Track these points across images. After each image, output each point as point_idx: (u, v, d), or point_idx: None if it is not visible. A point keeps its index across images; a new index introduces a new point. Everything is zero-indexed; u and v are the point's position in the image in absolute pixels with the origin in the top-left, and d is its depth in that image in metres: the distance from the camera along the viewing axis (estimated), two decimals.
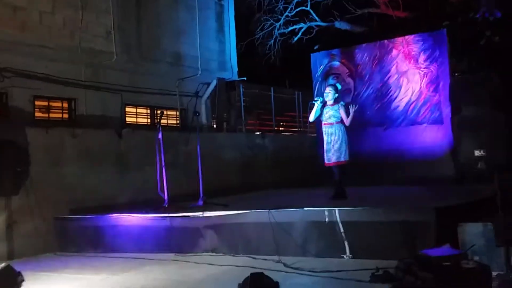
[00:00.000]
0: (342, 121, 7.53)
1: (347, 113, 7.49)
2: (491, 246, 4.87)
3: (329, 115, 7.56)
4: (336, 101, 7.64)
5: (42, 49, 9.37)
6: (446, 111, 10.80)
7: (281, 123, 15.16)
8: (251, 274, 4.66)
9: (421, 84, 11.25)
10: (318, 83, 12.75)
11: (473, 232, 5.04)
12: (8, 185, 7.53)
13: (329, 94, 7.63)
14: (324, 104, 7.64)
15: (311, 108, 7.88)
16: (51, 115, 9.79)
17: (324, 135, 7.65)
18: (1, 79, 8.86)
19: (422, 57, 11.31)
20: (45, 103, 9.70)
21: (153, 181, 8.19)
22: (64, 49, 9.78)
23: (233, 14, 14.09)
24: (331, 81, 11.99)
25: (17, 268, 5.22)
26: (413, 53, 11.40)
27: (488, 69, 9.93)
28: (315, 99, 7.79)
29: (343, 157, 7.50)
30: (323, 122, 7.64)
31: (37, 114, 9.52)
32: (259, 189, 10.85)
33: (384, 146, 11.46)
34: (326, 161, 7.64)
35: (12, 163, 7.63)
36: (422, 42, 11.33)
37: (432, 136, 10.87)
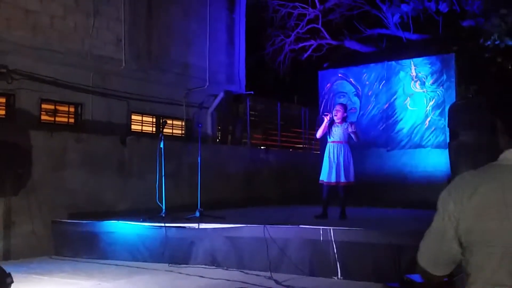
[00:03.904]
0: (349, 140, 7.58)
1: (355, 131, 7.54)
2: None
3: (337, 133, 7.58)
4: (344, 120, 7.69)
5: (52, 53, 9.48)
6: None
7: (287, 139, 15.17)
8: None
9: (427, 107, 11.21)
10: (324, 100, 12.76)
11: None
12: (8, 186, 7.59)
13: (338, 113, 7.67)
14: (331, 122, 7.67)
15: (320, 123, 7.92)
16: (57, 119, 9.87)
17: (328, 153, 7.62)
18: (9, 81, 8.96)
19: (429, 81, 11.28)
20: (52, 107, 9.79)
21: (154, 190, 8.22)
22: (74, 54, 9.88)
23: (244, 27, 14.16)
24: (339, 99, 12.00)
25: (10, 269, 5.22)
26: (420, 75, 11.38)
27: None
28: (325, 113, 7.84)
29: (352, 177, 7.53)
30: (331, 140, 7.64)
31: (43, 117, 9.61)
32: (260, 204, 10.83)
33: (387, 168, 11.41)
34: (328, 179, 7.60)
35: (13, 165, 7.72)
36: (430, 65, 11.30)
37: (435, 160, 10.81)
